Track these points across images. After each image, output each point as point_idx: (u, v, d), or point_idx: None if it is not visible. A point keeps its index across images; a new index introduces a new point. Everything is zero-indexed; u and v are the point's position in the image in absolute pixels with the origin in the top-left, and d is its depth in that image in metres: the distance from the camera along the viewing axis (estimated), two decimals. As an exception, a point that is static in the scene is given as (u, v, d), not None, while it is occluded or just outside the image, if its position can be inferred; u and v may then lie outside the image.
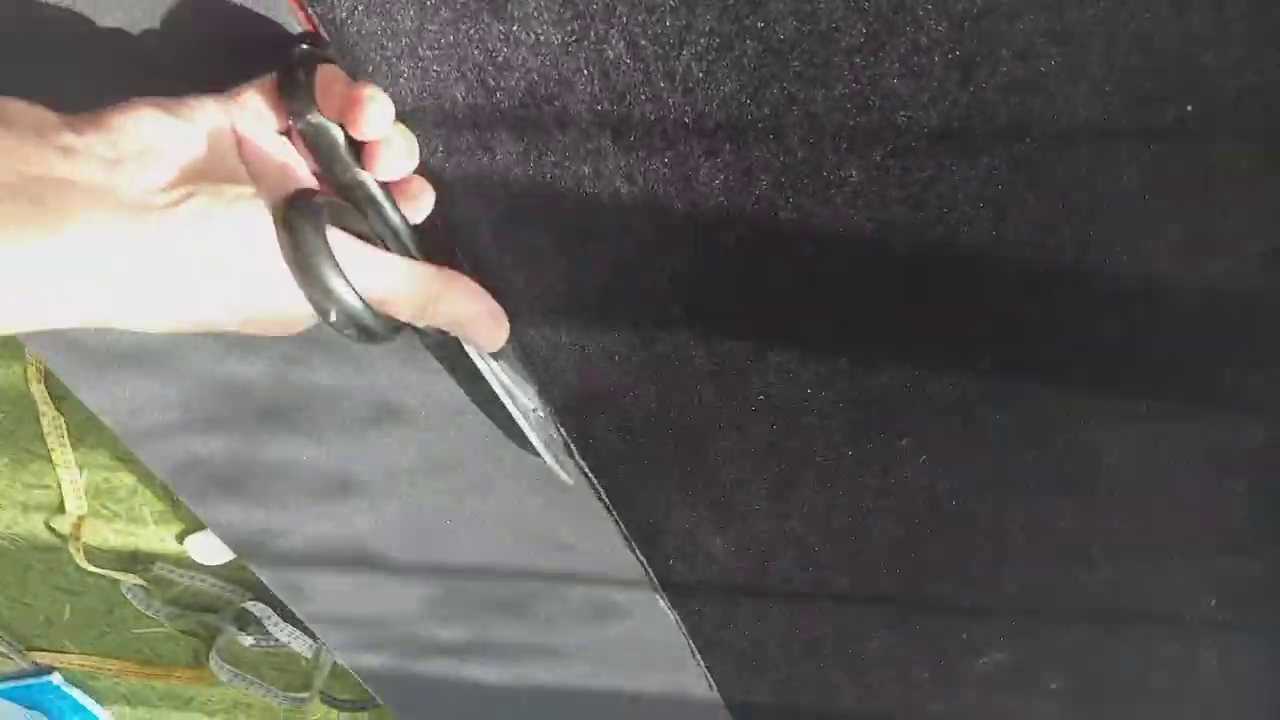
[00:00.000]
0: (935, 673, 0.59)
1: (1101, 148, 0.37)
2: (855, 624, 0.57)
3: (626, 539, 0.53)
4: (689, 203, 0.39)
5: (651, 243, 0.40)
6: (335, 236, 0.30)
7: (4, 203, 0.24)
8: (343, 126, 0.31)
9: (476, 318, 0.36)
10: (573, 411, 0.45)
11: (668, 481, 0.50)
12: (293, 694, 1.37)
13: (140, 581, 1.25)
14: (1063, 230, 0.39)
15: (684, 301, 0.43)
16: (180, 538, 1.20)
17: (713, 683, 0.60)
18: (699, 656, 0.59)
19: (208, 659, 1.32)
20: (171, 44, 0.34)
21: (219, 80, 0.32)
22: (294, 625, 1.23)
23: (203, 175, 0.29)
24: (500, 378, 0.40)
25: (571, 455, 0.47)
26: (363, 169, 0.32)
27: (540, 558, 0.54)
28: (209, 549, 1.17)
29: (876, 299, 0.43)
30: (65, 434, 1.13)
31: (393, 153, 0.32)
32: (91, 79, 0.33)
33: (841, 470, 0.50)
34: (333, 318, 0.29)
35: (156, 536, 1.20)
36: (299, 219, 0.28)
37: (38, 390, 1.10)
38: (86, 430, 1.13)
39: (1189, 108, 0.35)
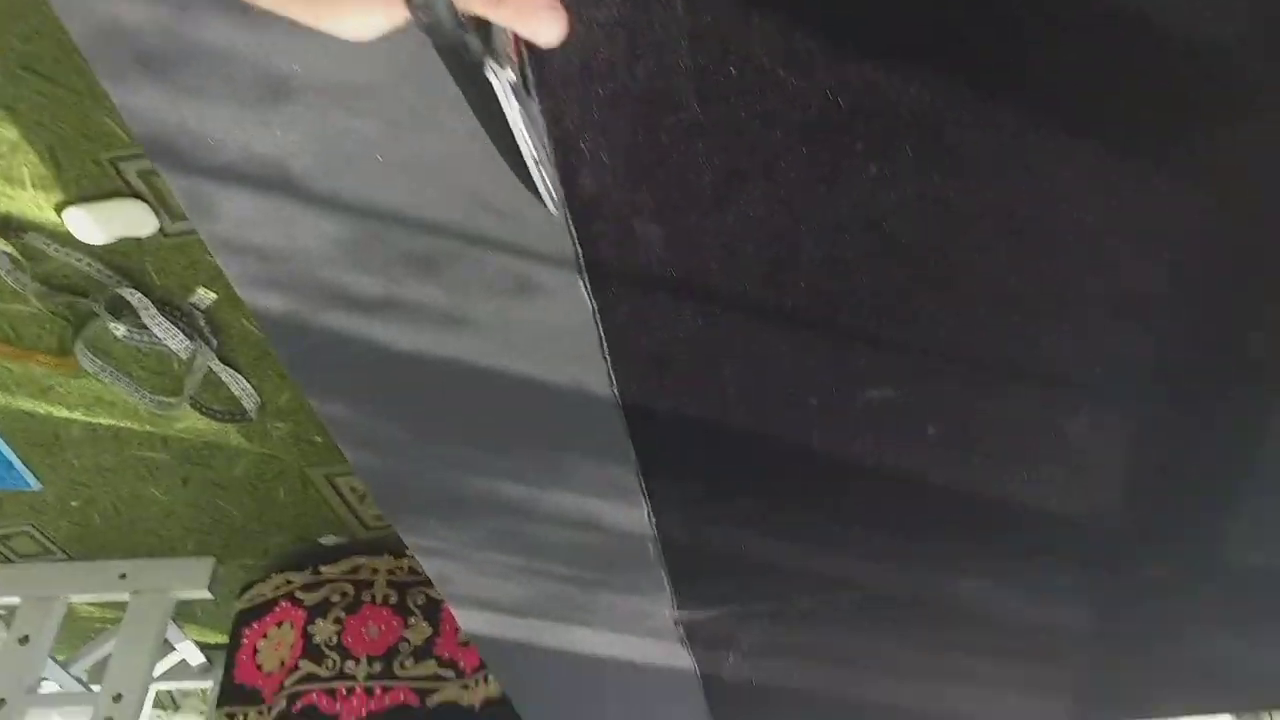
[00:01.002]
0: (824, 400, 0.62)
1: None
2: (761, 338, 0.58)
3: (565, 212, 0.52)
4: None
5: None
6: None
7: None
8: None
9: (538, 10, 0.37)
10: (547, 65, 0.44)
11: (618, 150, 0.49)
12: (161, 396, 1.34)
13: (9, 249, 1.17)
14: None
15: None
16: (59, 209, 1.12)
17: (614, 380, 0.62)
18: (607, 351, 0.60)
19: (73, 346, 1.27)
20: None
21: None
22: (171, 321, 1.19)
23: None
24: (519, 121, 0.41)
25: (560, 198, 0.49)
26: None
27: (467, 216, 0.53)
28: (89, 224, 1.10)
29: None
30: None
31: None
32: None
33: (791, 169, 0.50)
34: (421, 14, 0.32)
35: (34, 203, 1.12)
36: None
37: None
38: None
39: None
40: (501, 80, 0.39)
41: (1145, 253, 0.53)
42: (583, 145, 0.48)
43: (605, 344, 0.60)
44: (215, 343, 1.23)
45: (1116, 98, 0.46)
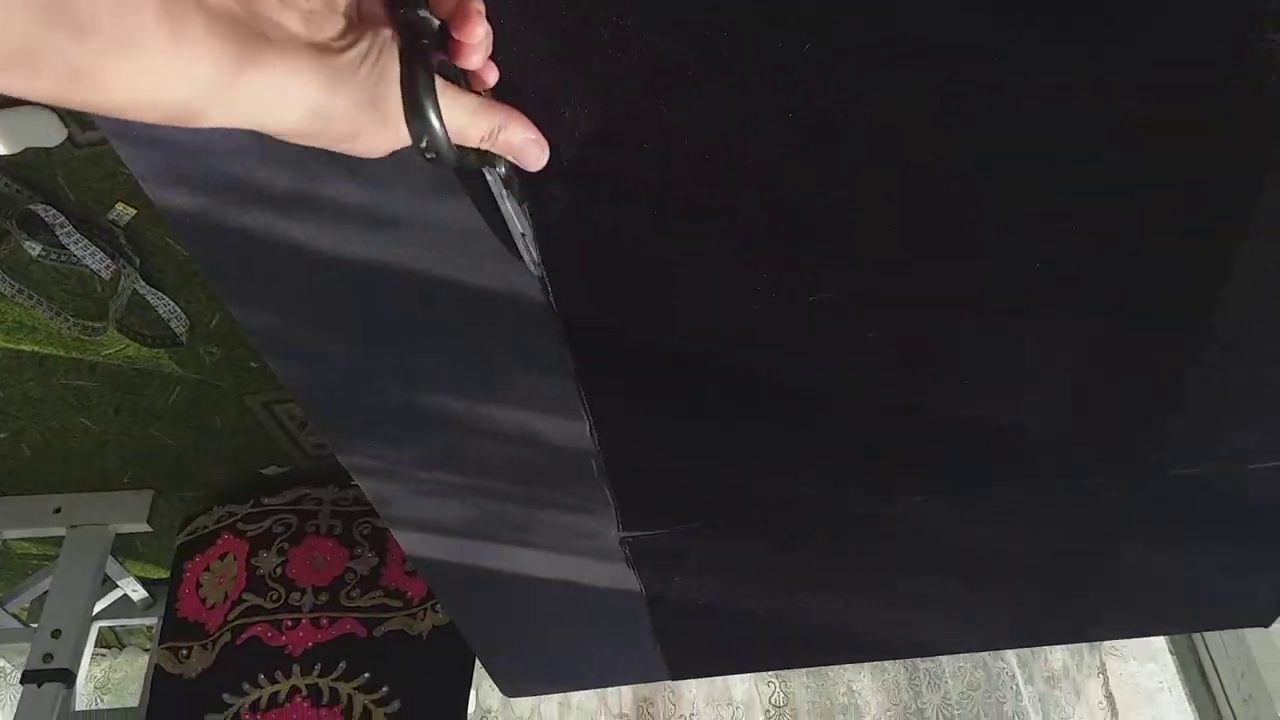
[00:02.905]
0: (766, 305, 0.60)
1: None
2: (699, 239, 0.56)
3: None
4: None
5: None
6: (437, 81, 0.37)
7: (248, 39, 0.32)
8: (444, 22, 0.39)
9: (526, 144, 0.45)
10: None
11: (544, 22, 0.45)
12: (86, 320, 1.28)
13: (-93, 164, 1.10)
14: None
15: None
16: (-41, 117, 1.05)
17: (548, 284, 0.59)
18: (538, 252, 0.57)
19: (-13, 267, 1.20)
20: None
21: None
22: (89, 239, 1.13)
23: (353, 22, 0.36)
24: (507, 204, 0.51)
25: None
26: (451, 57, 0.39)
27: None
28: (-7, 133, 1.03)
29: None
30: None
31: (480, 50, 0.40)
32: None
33: (732, 51, 0.46)
34: (423, 143, 0.37)
35: (-71, 110, 1.04)
36: (417, 63, 0.36)
37: None
38: None
39: None
40: (494, 177, 0.48)
41: (1093, 149, 0.50)
42: (501, 21, 0.44)
43: (535, 245, 0.56)
44: (138, 262, 1.17)
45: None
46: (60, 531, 1.66)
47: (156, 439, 1.53)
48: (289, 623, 1.43)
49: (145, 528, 1.66)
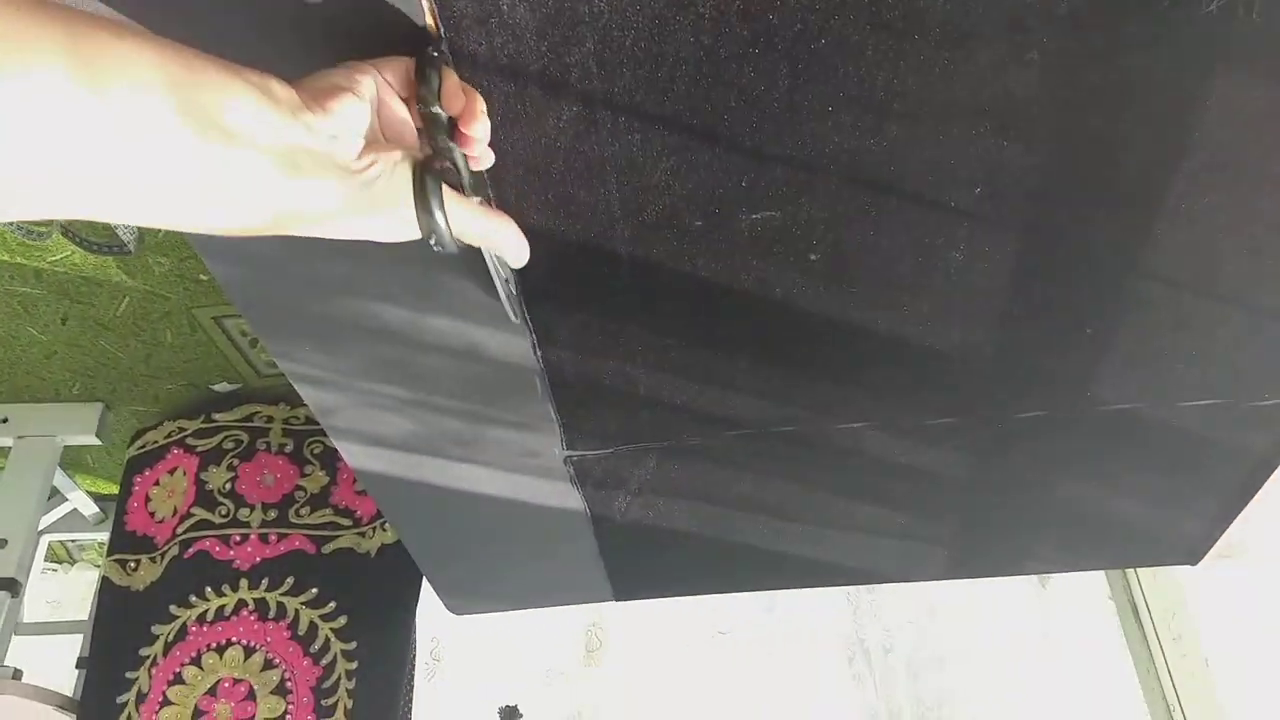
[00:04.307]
0: (708, 221, 0.59)
1: None
2: (641, 146, 0.55)
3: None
4: None
5: None
6: (445, 190, 0.44)
7: (275, 164, 0.37)
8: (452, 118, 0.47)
9: (515, 246, 0.51)
10: None
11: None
12: (29, 224, 1.25)
13: None
14: None
15: None
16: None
17: (488, 186, 0.58)
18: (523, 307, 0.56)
19: (-75, 165, 1.16)
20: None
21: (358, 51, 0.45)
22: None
23: (373, 140, 0.43)
24: (497, 267, 0.60)
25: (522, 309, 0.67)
26: (456, 144, 0.48)
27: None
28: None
29: None
30: None
31: (482, 142, 0.49)
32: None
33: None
34: (431, 240, 0.44)
35: None
36: (429, 177, 0.43)
37: None
38: None
39: None
40: (488, 251, 0.57)
41: (1019, 57, 0.50)
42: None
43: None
44: (83, 165, 1.14)
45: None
46: (8, 442, 1.64)
47: (106, 351, 1.51)
48: (237, 538, 1.43)
49: (94, 440, 1.64)
